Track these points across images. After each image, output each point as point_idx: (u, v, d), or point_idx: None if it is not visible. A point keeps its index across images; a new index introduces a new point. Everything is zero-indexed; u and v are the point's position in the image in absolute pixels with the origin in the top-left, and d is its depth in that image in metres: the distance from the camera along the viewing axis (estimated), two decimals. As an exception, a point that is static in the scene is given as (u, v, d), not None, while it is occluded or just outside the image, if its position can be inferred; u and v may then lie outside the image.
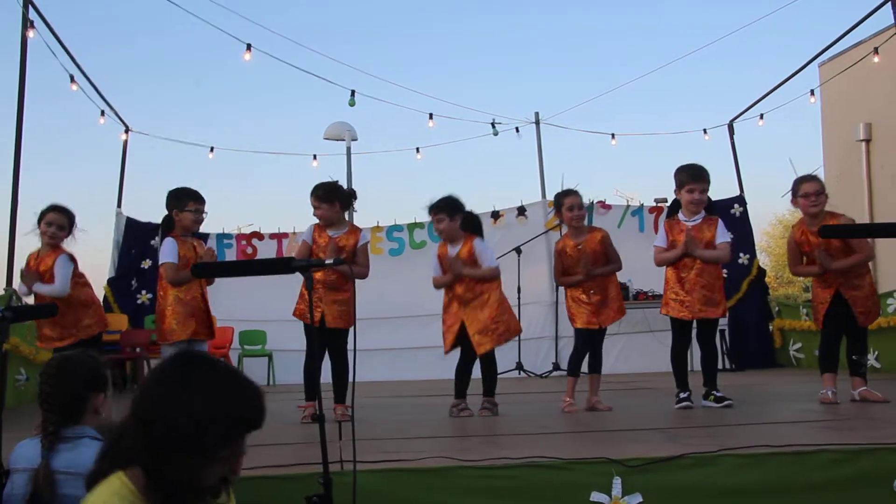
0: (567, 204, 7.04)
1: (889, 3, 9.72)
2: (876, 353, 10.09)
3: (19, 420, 5.40)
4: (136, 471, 2.21)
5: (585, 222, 7.26)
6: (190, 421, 2.19)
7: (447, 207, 6.77)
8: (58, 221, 6.68)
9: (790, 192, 6.91)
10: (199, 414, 2.21)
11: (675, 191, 6.90)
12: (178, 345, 6.58)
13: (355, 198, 7.02)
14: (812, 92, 13.47)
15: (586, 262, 6.94)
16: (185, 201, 6.68)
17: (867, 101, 15.79)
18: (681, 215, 6.88)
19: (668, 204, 7.63)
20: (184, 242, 6.67)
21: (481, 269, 6.71)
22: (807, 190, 6.72)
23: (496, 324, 6.68)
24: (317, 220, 6.81)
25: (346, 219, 7.05)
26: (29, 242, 6.93)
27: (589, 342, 7.02)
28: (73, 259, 6.68)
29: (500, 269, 6.88)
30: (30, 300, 6.82)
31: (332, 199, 6.74)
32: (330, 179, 6.86)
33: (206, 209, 6.80)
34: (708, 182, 6.82)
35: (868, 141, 16.51)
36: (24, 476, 3.22)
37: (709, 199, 6.93)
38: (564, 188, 7.19)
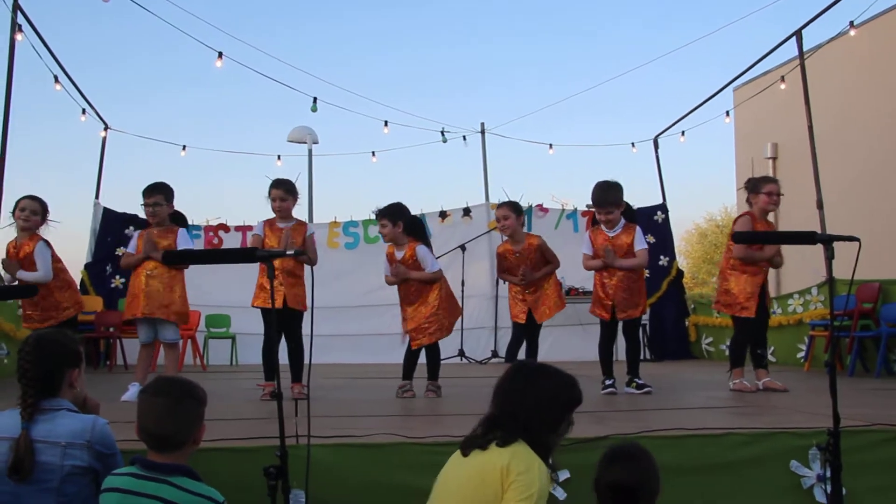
0: (496, 215, 7.14)
1: (794, 38, 9.88)
2: (773, 348, 10.29)
3: (1, 392, 5.28)
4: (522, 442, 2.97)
5: (525, 228, 7.30)
6: (552, 405, 3.13)
7: (389, 214, 6.70)
8: (31, 207, 6.49)
9: (745, 188, 6.97)
10: (558, 399, 3.16)
11: None
12: (139, 323, 6.47)
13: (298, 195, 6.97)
14: (727, 113, 13.65)
15: (526, 270, 7.04)
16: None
17: (775, 124, 16.05)
18: (602, 227, 6.81)
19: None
20: (152, 235, 6.54)
21: (424, 273, 6.68)
22: (771, 189, 6.83)
23: (429, 323, 6.67)
24: (268, 217, 6.77)
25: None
26: (10, 234, 6.76)
27: (524, 333, 7.08)
28: (49, 245, 6.51)
29: (441, 272, 6.83)
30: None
31: (294, 194, 6.74)
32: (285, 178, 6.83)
33: (160, 201, 6.50)
34: (609, 206, 6.64)
35: (775, 159, 16.79)
36: (5, 444, 3.14)
37: (628, 206, 6.85)
38: (504, 200, 7.25)
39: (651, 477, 3.03)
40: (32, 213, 6.49)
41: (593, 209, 6.85)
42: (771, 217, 7.45)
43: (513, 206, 7.28)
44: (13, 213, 6.54)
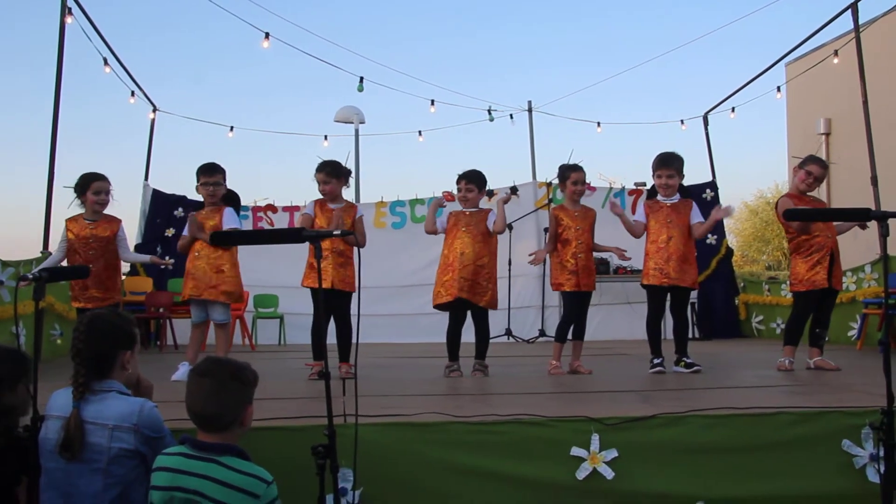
0: (573, 178, 7.02)
1: (849, 10, 9.68)
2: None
3: (55, 371, 5.39)
4: None
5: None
6: None
7: (477, 180, 6.84)
8: (104, 189, 6.60)
9: (800, 161, 6.96)
10: None
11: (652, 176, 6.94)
12: (191, 303, 6.51)
13: (351, 175, 7.00)
14: (778, 89, 13.41)
15: (581, 226, 6.91)
16: (198, 177, 6.52)
17: (828, 99, 15.77)
18: (659, 196, 6.89)
19: (647, 187, 7.61)
20: (196, 216, 6.55)
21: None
22: (810, 170, 6.82)
23: (491, 286, 6.72)
24: (318, 196, 6.79)
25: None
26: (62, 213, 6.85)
27: (577, 306, 6.95)
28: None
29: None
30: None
31: (339, 176, 6.75)
32: (332, 159, 6.83)
33: (220, 180, 6.51)
34: (673, 168, 6.81)
35: (828, 134, 16.50)
36: (58, 423, 3.21)
37: (681, 184, 6.92)
38: (572, 162, 7.14)
39: None
40: (105, 193, 6.61)
41: (653, 172, 6.89)
42: (823, 193, 7.35)
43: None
44: (84, 192, 6.56)
